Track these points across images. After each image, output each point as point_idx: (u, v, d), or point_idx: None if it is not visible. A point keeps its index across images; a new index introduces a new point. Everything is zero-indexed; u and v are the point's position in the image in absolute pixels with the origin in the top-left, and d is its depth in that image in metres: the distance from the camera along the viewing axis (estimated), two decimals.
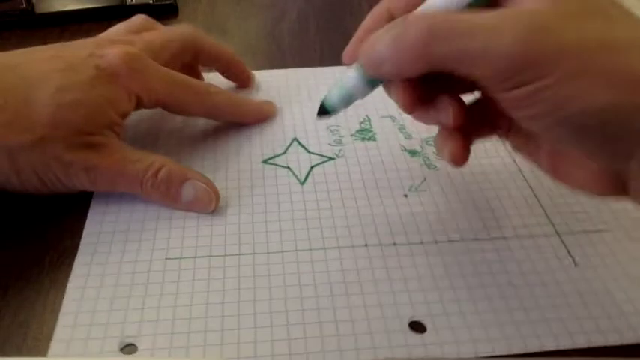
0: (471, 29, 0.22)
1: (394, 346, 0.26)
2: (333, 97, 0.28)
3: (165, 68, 0.34)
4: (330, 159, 0.36)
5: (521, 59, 0.22)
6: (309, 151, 0.37)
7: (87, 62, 0.31)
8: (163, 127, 0.38)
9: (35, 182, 0.30)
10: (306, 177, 0.35)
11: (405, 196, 0.34)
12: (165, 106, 0.35)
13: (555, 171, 0.27)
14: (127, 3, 0.52)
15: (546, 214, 0.33)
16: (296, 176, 0.35)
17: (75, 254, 0.30)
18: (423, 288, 0.28)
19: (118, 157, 0.31)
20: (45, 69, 0.30)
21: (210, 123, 0.39)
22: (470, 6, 0.24)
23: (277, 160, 0.36)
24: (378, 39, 0.25)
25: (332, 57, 0.45)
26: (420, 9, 0.25)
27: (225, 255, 0.30)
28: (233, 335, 0.26)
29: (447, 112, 0.26)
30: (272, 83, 0.43)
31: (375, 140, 0.38)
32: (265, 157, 0.36)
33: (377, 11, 0.28)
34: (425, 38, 0.23)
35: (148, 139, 0.37)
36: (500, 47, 0.22)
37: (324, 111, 0.29)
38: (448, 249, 0.30)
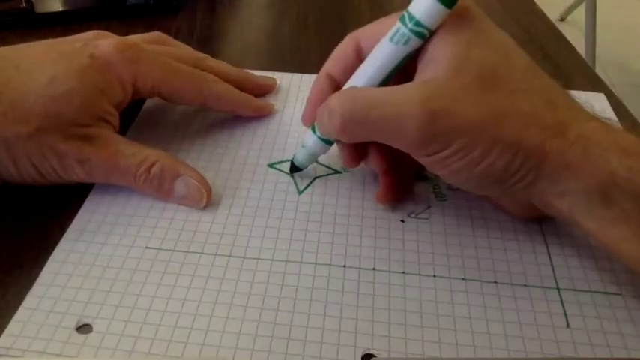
0: (377, 116, 0.27)
1: None
2: (299, 156, 0.33)
3: (162, 57, 0.34)
4: (337, 172, 0.35)
5: (425, 138, 0.26)
6: (317, 161, 0.36)
7: (81, 51, 0.31)
8: (175, 120, 0.39)
9: (33, 173, 0.30)
10: (306, 187, 0.34)
11: (402, 221, 0.32)
12: (162, 95, 0.35)
13: (486, 198, 0.32)
14: (128, 2, 0.52)
15: (552, 266, 0.30)
16: (296, 184, 0.34)
17: None
18: (390, 321, 0.27)
19: (112, 150, 0.31)
20: (39, 60, 0.31)
21: (226, 118, 0.39)
22: (385, 81, 0.29)
23: (283, 166, 0.36)
24: (320, 114, 0.30)
25: None
26: (345, 86, 0.30)
27: (202, 253, 0.30)
28: (184, 334, 0.26)
29: (374, 160, 0.31)
30: (292, 87, 0.43)
31: None
32: (272, 161, 0.36)
33: (319, 79, 0.32)
34: (343, 125, 0.28)
35: (156, 131, 0.38)
36: (407, 130, 0.26)
37: (295, 168, 0.34)
38: (430, 284, 0.29)
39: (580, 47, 1.49)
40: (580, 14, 1.71)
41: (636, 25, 1.95)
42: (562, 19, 1.94)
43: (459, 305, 0.28)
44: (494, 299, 0.28)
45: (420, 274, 0.29)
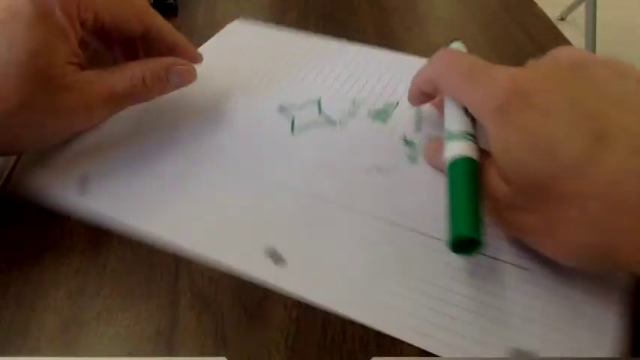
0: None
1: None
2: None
3: None
4: (332, 124, 0.37)
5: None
6: (320, 112, 0.38)
7: (21, 2, 0.30)
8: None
9: (36, 139, 0.32)
10: (294, 126, 0.37)
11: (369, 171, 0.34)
12: (106, 24, 0.34)
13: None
14: None
15: None
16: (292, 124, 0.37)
17: (74, 253, 0.30)
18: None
19: (98, 87, 0.32)
20: None
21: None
22: None
23: (289, 111, 0.39)
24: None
25: None
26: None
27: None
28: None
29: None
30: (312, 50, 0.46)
31: (384, 122, 0.38)
32: (283, 104, 0.39)
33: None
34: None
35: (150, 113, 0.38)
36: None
37: None
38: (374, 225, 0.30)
39: (580, 47, 1.48)
40: (580, 14, 1.71)
41: (636, 25, 1.95)
42: (562, 19, 1.95)
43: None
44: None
45: (373, 217, 0.31)
